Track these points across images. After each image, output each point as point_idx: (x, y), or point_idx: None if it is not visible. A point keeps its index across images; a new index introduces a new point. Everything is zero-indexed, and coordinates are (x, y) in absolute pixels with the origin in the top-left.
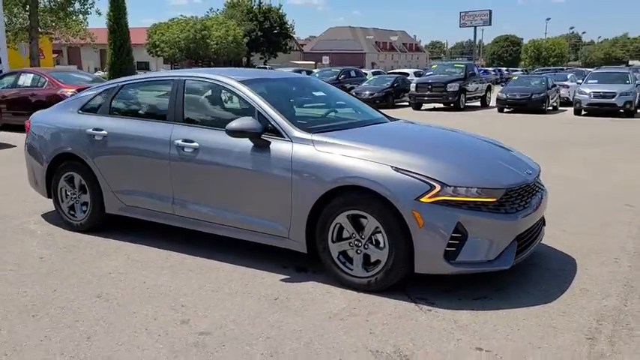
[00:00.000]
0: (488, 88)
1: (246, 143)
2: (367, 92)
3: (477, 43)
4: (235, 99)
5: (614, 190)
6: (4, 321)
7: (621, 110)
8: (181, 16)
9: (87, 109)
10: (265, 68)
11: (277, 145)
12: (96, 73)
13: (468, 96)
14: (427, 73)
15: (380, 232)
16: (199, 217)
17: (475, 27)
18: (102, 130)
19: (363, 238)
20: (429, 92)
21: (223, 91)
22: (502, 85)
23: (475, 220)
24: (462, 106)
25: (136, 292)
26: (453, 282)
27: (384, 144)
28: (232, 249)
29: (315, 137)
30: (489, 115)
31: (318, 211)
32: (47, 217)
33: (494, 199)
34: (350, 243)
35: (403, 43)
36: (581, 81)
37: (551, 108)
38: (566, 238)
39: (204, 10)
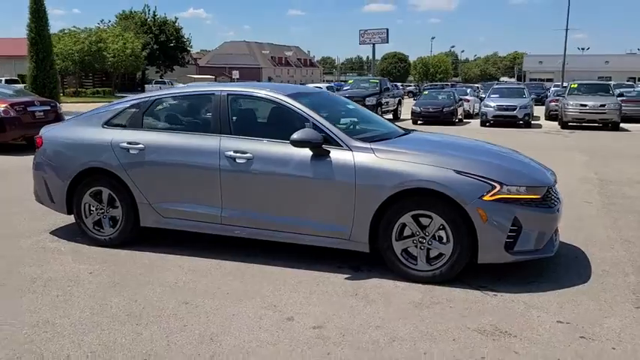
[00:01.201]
0: (399, 102)
1: (305, 153)
2: None
3: (370, 58)
4: (282, 112)
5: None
6: (115, 332)
7: (521, 122)
8: (74, 27)
9: (113, 123)
10: (164, 83)
11: (338, 154)
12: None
13: (383, 109)
14: (344, 88)
15: (443, 228)
16: (253, 224)
17: (374, 44)
18: (138, 143)
19: (427, 235)
20: None
21: (272, 104)
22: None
23: (527, 214)
24: None
25: (219, 297)
26: (495, 271)
27: (433, 151)
28: (276, 254)
29: (374, 146)
30: (407, 127)
31: (381, 212)
32: (57, 234)
33: (539, 196)
34: (413, 240)
35: (298, 59)
36: (484, 95)
37: (457, 120)
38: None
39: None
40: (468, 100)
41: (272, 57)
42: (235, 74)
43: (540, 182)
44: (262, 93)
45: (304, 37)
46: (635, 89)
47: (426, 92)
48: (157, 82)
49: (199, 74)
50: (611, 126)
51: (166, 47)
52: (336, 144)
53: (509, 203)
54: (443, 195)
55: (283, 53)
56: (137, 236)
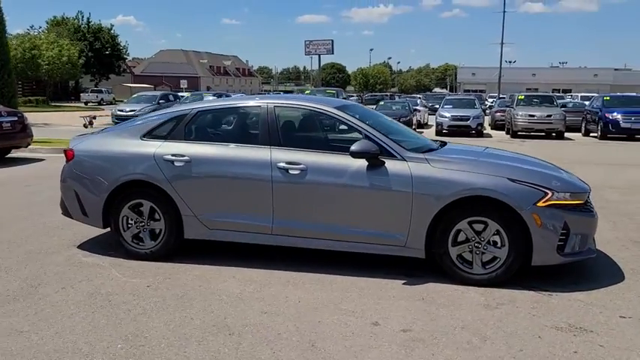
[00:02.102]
0: None
1: (361, 163)
2: None
3: (307, 69)
4: (333, 123)
5: None
6: (213, 343)
7: (473, 131)
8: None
9: (153, 135)
10: (101, 91)
11: (393, 164)
12: None
13: None
14: None
15: (498, 233)
16: (306, 234)
17: (319, 55)
18: (183, 155)
19: (482, 240)
20: None
21: (321, 117)
22: None
23: (574, 218)
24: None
25: (293, 306)
26: (537, 273)
27: (482, 160)
28: (320, 262)
29: (427, 156)
30: None
31: (437, 219)
32: (86, 248)
33: (582, 202)
34: (469, 246)
35: (237, 68)
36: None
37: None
38: None
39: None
40: (419, 111)
41: (210, 66)
42: (184, 83)
43: (582, 189)
44: (311, 105)
45: (240, 46)
46: (572, 101)
47: (382, 103)
48: (92, 91)
49: (135, 83)
50: (557, 135)
51: (102, 55)
52: (390, 155)
53: (559, 209)
54: (499, 202)
55: (222, 62)
56: (178, 249)
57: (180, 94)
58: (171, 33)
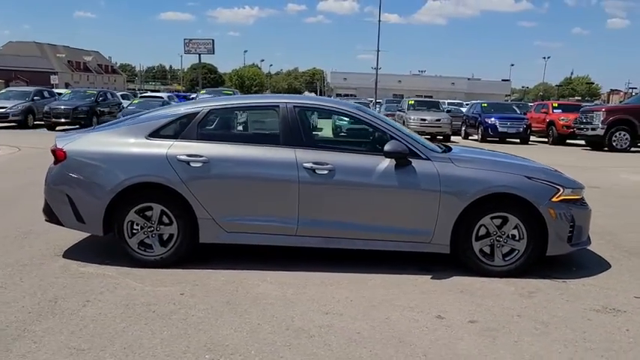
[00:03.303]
0: None
1: (389, 163)
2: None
3: (173, 68)
4: (356, 124)
5: None
6: (302, 346)
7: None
8: None
9: (161, 135)
10: None
11: (420, 164)
12: None
13: None
14: (199, 98)
15: (517, 227)
16: (331, 234)
17: (200, 54)
18: (200, 156)
19: (503, 234)
20: None
21: (342, 117)
22: None
23: (578, 211)
24: None
25: (349, 306)
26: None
27: (498, 161)
28: (334, 261)
29: (451, 156)
30: None
31: (462, 216)
32: (75, 257)
33: (581, 197)
34: (490, 240)
35: (98, 64)
36: None
37: None
38: None
39: None
40: None
41: (69, 61)
42: (54, 79)
43: (580, 185)
44: (334, 107)
45: (100, 42)
46: (449, 107)
47: None
48: None
49: None
50: (444, 138)
51: None
52: (416, 155)
53: (568, 203)
54: (519, 198)
55: (82, 58)
56: (190, 254)
57: (58, 90)
58: (17, 24)
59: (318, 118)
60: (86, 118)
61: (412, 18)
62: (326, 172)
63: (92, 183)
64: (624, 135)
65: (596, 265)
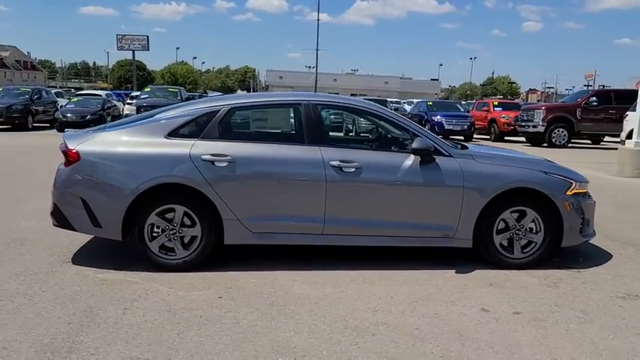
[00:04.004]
0: None
1: (414, 160)
2: (73, 115)
3: (97, 64)
4: (378, 122)
5: None
6: (373, 344)
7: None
8: None
9: (181, 134)
10: None
11: (443, 161)
12: None
13: None
14: (142, 96)
15: (535, 220)
16: (358, 232)
17: (133, 50)
18: (225, 155)
19: (521, 228)
20: None
21: (365, 115)
22: None
23: (586, 204)
24: None
25: (392, 302)
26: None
27: (515, 157)
28: (351, 258)
29: (471, 153)
30: None
31: (484, 210)
32: (86, 263)
33: (586, 190)
34: (510, 233)
35: (16, 60)
36: None
37: None
38: None
39: None
40: None
41: None
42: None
43: (586, 180)
44: (354, 105)
45: (17, 36)
46: (394, 105)
47: None
48: None
49: None
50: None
51: None
52: (439, 152)
53: (578, 196)
54: (537, 192)
55: None
56: (213, 256)
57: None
58: None
59: (345, 116)
60: (21, 117)
61: (341, 18)
62: (353, 169)
63: (110, 185)
64: (562, 132)
65: (598, 255)
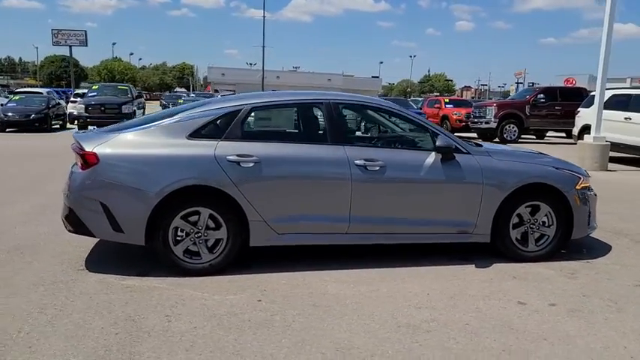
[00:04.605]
0: (143, 111)
1: (435, 158)
2: (16, 114)
3: (23, 60)
4: (399, 121)
5: None
6: (431, 341)
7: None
8: None
9: (203, 135)
10: None
11: (463, 158)
12: None
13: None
14: (90, 94)
15: (547, 214)
16: (382, 230)
17: (71, 46)
18: (251, 155)
19: (535, 222)
20: (101, 114)
21: (383, 114)
22: None
23: (591, 196)
24: None
25: (430, 299)
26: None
27: (526, 154)
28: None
29: (487, 150)
30: None
31: (501, 205)
32: (103, 269)
33: (589, 184)
34: (524, 227)
35: None
36: None
37: None
38: None
39: None
40: None
41: None
42: None
43: (588, 174)
44: (375, 104)
45: None
46: None
47: (180, 101)
48: None
49: None
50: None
51: None
52: (458, 150)
53: (584, 189)
54: (550, 187)
55: None
56: (237, 259)
57: None
58: None
59: (365, 115)
60: None
61: (279, 14)
62: (377, 168)
63: (132, 188)
64: (513, 127)
65: (598, 246)
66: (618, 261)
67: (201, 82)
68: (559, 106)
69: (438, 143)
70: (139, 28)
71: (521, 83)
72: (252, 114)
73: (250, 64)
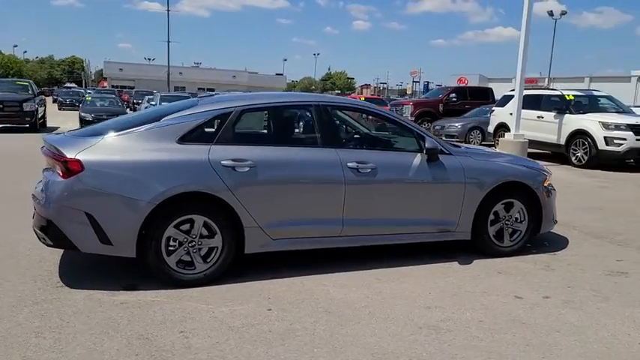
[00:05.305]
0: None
1: (421, 159)
2: None
3: None
4: (387, 124)
5: None
6: (456, 340)
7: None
8: None
9: (193, 139)
10: None
11: (446, 159)
12: None
13: (39, 115)
14: None
15: (520, 210)
16: (373, 231)
17: None
18: (246, 160)
19: (509, 218)
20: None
21: (371, 116)
22: None
23: (553, 193)
24: (38, 127)
25: (435, 299)
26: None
27: (499, 154)
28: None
29: (467, 151)
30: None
31: (481, 204)
32: (84, 286)
33: (550, 181)
34: (501, 224)
35: None
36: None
37: None
38: None
39: None
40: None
41: None
42: None
43: (550, 171)
44: (361, 106)
45: None
46: None
47: (89, 98)
48: None
49: None
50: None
51: None
52: (441, 151)
53: (549, 186)
54: (523, 184)
55: None
56: (230, 267)
57: None
58: None
59: (355, 117)
60: None
61: (175, 8)
62: (369, 170)
63: (122, 197)
64: (428, 125)
65: (555, 238)
66: (580, 252)
67: (93, 77)
68: (469, 104)
69: (427, 145)
70: (20, 18)
71: (417, 82)
72: (243, 117)
73: (148, 59)
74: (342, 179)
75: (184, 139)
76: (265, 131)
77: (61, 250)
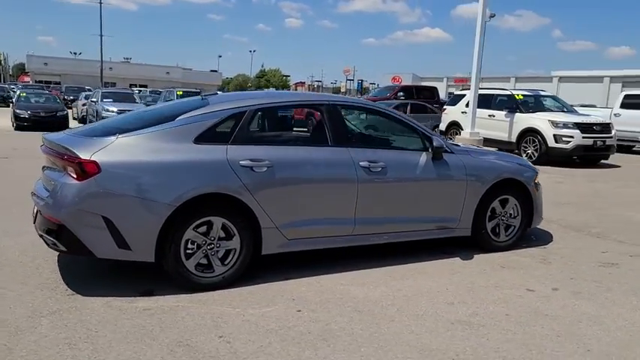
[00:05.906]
0: None
1: (427, 158)
2: None
3: None
4: (393, 123)
5: None
6: (491, 335)
7: None
8: None
9: (209, 139)
10: None
11: (449, 157)
12: None
13: None
14: None
15: (514, 206)
16: (383, 230)
17: None
18: (263, 160)
19: (506, 214)
20: None
21: (379, 116)
22: None
23: (540, 189)
24: None
25: (454, 295)
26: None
27: (494, 152)
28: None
29: (467, 149)
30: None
31: (481, 200)
32: (96, 293)
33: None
34: (498, 219)
35: None
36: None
37: None
38: None
39: None
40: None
41: None
42: None
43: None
44: (367, 105)
45: None
46: None
47: (23, 94)
48: None
49: None
50: None
51: None
52: (445, 150)
53: (537, 183)
54: (517, 181)
55: None
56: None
57: None
58: None
59: (364, 118)
60: None
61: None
62: (380, 169)
63: (141, 199)
64: None
65: (540, 233)
66: (567, 245)
67: (11, 72)
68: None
69: (435, 144)
70: None
71: (351, 80)
72: (257, 116)
73: (74, 53)
74: (355, 178)
75: (200, 138)
76: (279, 131)
77: (55, 256)
